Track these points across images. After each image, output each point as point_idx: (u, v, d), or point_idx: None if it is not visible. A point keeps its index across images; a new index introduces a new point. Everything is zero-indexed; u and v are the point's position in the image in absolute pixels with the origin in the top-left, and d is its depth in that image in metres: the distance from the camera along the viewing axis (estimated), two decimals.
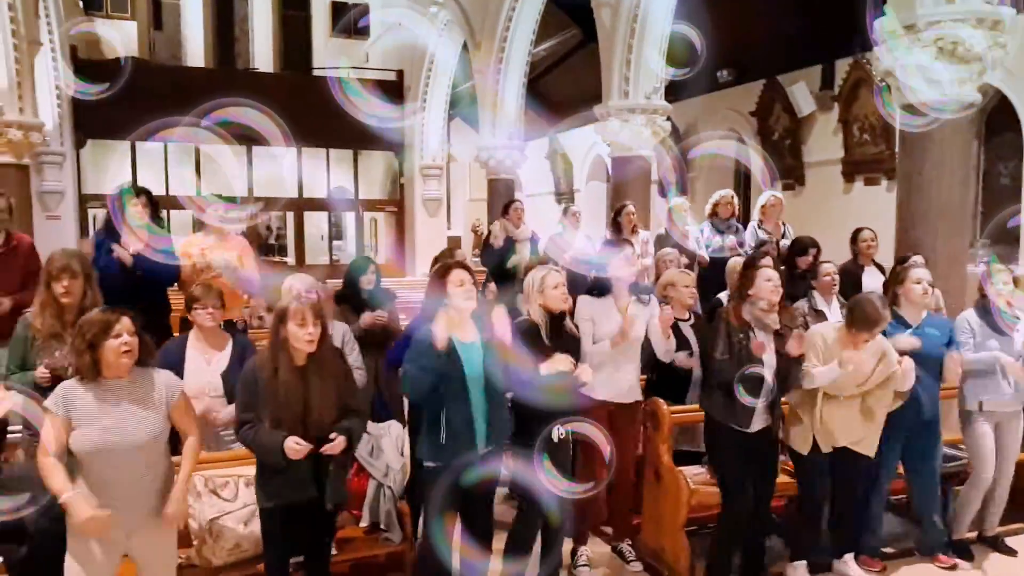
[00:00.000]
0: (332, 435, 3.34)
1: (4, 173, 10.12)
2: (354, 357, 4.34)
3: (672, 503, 4.44)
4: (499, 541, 4.07)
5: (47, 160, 13.87)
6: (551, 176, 18.70)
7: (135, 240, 4.99)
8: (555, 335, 4.03)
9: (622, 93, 10.13)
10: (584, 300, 4.50)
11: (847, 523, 4.47)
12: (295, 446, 3.24)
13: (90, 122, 14.50)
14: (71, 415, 3.02)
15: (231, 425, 3.97)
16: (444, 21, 14.75)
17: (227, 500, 3.83)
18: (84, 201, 15.18)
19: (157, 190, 6.43)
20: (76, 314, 3.57)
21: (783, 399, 4.27)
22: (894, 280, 4.67)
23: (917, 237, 6.06)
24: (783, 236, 6.85)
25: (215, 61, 19.20)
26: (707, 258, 6.88)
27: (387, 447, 4.30)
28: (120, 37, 17.00)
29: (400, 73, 16.94)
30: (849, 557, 4.47)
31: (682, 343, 4.67)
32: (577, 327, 4.28)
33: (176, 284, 5.67)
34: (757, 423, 4.07)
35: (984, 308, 4.61)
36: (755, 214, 7.14)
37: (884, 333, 4.22)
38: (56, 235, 11.74)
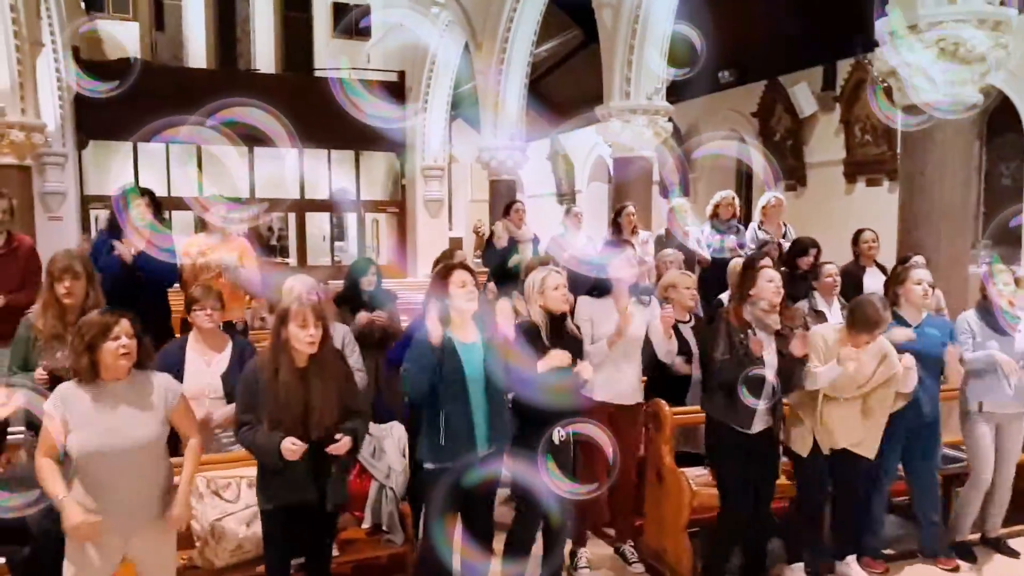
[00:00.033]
0: (338, 436, 3.34)
1: (6, 174, 10.12)
2: (355, 359, 4.34)
3: (674, 504, 4.44)
4: (500, 542, 4.07)
5: (49, 161, 13.88)
6: (553, 177, 18.71)
7: (139, 239, 4.99)
8: (556, 336, 4.03)
9: (623, 94, 10.13)
10: (584, 301, 4.50)
11: (848, 525, 4.46)
12: (291, 447, 3.23)
13: (92, 123, 14.51)
14: (69, 417, 3.01)
15: (226, 425, 3.98)
16: (445, 22, 14.76)
17: (229, 501, 3.83)
18: (86, 202, 15.19)
19: (159, 191, 6.43)
20: (78, 315, 3.57)
21: (784, 400, 4.26)
22: (894, 280, 4.67)
23: (919, 238, 6.06)
24: (784, 237, 6.84)
25: (217, 62, 19.22)
26: (709, 258, 6.88)
27: (389, 448, 4.29)
28: (123, 37, 17.02)
29: (402, 74, 16.95)
30: (851, 559, 4.46)
31: (681, 345, 4.67)
32: (579, 328, 4.28)
33: (178, 285, 5.68)
34: (758, 424, 4.06)
35: (985, 309, 4.61)
36: (756, 215, 7.14)
37: None
38: (58, 236, 11.76)
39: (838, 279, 5.48)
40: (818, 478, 4.31)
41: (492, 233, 7.62)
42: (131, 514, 3.09)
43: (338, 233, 19.49)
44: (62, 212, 14.23)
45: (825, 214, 11.14)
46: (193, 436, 3.32)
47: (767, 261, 4.40)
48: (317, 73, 18.18)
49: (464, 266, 3.76)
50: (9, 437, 4.44)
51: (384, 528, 4.17)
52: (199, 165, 15.73)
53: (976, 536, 4.85)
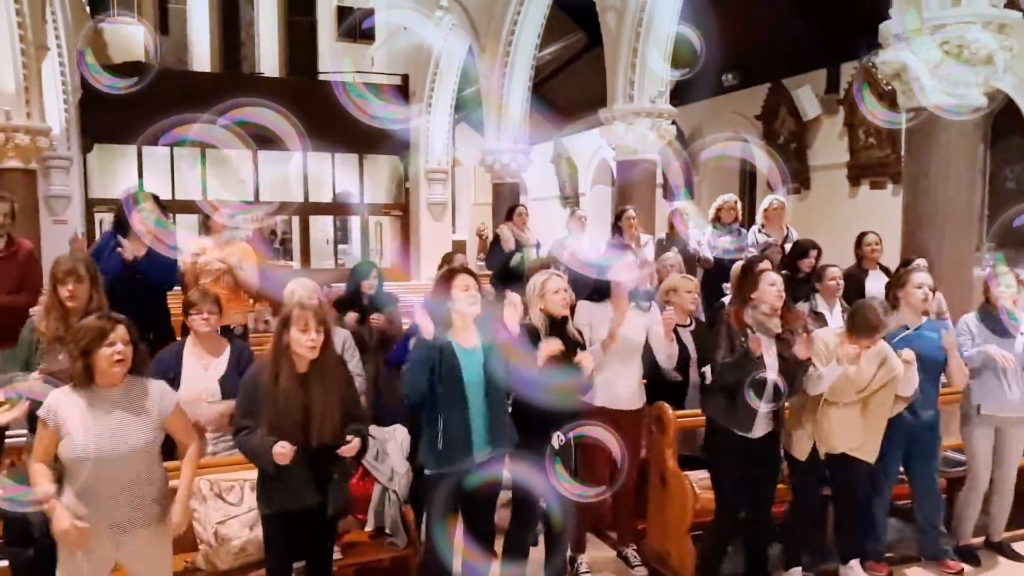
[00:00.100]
0: (349, 437, 3.33)
1: (11, 177, 10.14)
2: (354, 363, 4.34)
3: (677, 508, 4.43)
4: (501, 545, 4.07)
5: (54, 164, 13.89)
6: (556, 180, 18.71)
7: (146, 237, 4.97)
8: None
9: (627, 97, 10.13)
10: (583, 305, 4.50)
11: (850, 529, 4.45)
12: (281, 450, 3.20)
13: (97, 127, 14.53)
14: (63, 422, 3.00)
15: (218, 424, 3.98)
16: (449, 25, 14.77)
17: (232, 504, 3.84)
18: (91, 205, 15.21)
19: (163, 194, 6.45)
20: (81, 318, 3.58)
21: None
22: (895, 283, 4.67)
23: (923, 241, 6.05)
24: (787, 240, 6.84)
25: (221, 66, 19.25)
26: (712, 260, 6.88)
27: (392, 451, 4.29)
28: (131, 40, 17.06)
29: (405, 77, 16.95)
30: (855, 563, 4.45)
31: (681, 350, 4.65)
32: (580, 332, 4.27)
33: (179, 287, 5.68)
34: (760, 428, 4.05)
35: (987, 311, 4.60)
36: (758, 218, 7.13)
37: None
38: (63, 239, 11.75)
39: (841, 282, 5.47)
40: (814, 482, 4.30)
41: (497, 236, 7.64)
42: (122, 520, 3.07)
43: (342, 236, 19.51)
44: (67, 215, 14.22)
45: (829, 217, 11.13)
46: (190, 443, 3.31)
47: (767, 264, 4.39)
48: (321, 76, 18.20)
49: (468, 270, 3.76)
50: (9, 440, 4.46)
51: (387, 531, 4.17)
52: (203, 169, 15.77)
53: (980, 540, 4.84)
